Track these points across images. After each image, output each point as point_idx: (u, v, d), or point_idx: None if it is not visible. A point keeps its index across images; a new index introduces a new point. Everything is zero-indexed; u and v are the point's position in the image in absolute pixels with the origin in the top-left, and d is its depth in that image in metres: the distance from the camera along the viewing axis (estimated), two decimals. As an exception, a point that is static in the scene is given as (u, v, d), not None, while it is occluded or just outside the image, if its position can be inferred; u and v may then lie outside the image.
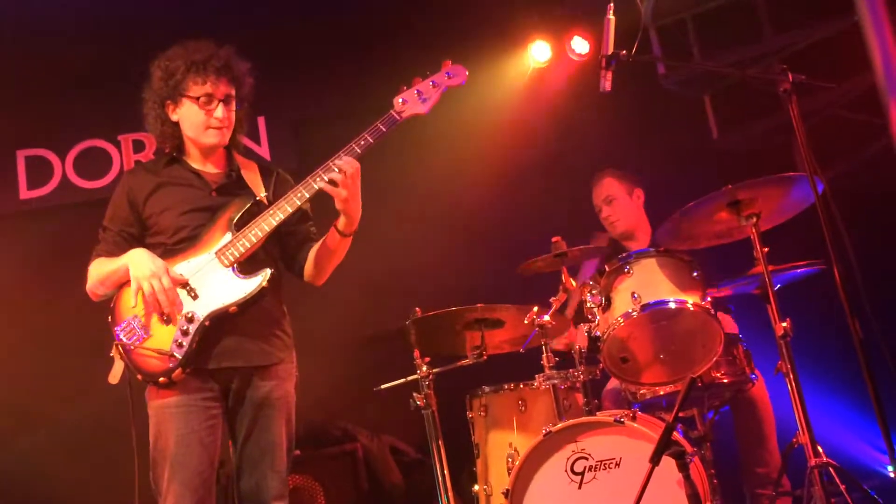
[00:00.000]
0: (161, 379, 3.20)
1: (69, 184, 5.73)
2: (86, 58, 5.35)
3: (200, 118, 3.38)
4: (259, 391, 3.32)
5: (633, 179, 4.90)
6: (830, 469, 3.45)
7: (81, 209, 5.51)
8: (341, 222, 3.35)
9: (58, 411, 5.16)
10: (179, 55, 3.39)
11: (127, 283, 3.29)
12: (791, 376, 3.59)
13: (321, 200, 3.36)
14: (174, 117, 3.43)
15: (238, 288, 3.27)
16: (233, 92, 3.41)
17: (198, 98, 3.36)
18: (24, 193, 5.68)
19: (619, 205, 4.84)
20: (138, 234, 3.38)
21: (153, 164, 3.55)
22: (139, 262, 3.25)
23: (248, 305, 3.27)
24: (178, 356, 3.19)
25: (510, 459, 3.97)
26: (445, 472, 4.13)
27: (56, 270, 5.34)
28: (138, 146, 5.75)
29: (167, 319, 3.23)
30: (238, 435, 3.34)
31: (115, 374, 3.25)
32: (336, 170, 3.26)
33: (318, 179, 3.30)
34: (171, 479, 3.20)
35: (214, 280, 3.27)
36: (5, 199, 5.67)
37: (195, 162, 3.47)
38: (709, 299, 3.76)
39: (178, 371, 3.19)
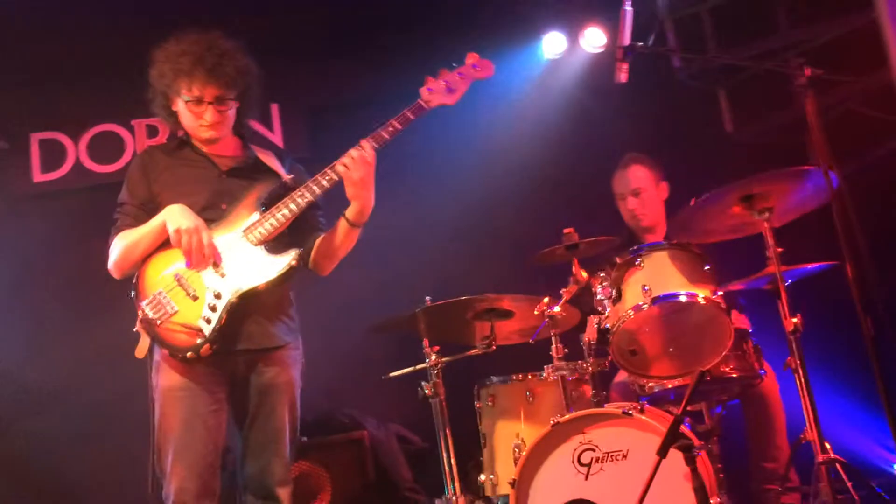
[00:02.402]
0: (189, 354, 3.22)
1: (82, 168, 5.73)
2: (100, 42, 5.35)
3: (191, 117, 3.41)
4: (263, 376, 3.34)
5: (660, 170, 4.76)
6: (838, 465, 3.44)
7: (94, 193, 5.52)
8: (351, 211, 3.35)
9: (71, 392, 5.18)
10: (169, 57, 3.38)
11: (151, 256, 3.30)
12: (800, 372, 3.57)
13: (335, 192, 3.36)
14: (174, 108, 3.46)
15: (268, 266, 3.29)
16: (223, 93, 3.38)
17: (187, 101, 3.37)
18: (38, 177, 5.68)
19: (648, 197, 4.70)
20: (155, 211, 3.37)
21: (165, 146, 3.58)
22: (179, 215, 3.27)
23: (275, 283, 3.29)
24: (206, 332, 3.21)
25: (517, 450, 3.96)
26: (452, 461, 4.13)
27: (69, 253, 5.39)
28: (152, 131, 5.75)
29: (195, 296, 3.24)
30: (243, 420, 3.36)
31: (142, 349, 3.27)
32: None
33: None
34: (175, 462, 3.23)
35: (243, 258, 3.29)
36: (19, 181, 5.68)
37: (205, 145, 3.48)
38: (720, 293, 3.74)
39: (206, 346, 3.21)
